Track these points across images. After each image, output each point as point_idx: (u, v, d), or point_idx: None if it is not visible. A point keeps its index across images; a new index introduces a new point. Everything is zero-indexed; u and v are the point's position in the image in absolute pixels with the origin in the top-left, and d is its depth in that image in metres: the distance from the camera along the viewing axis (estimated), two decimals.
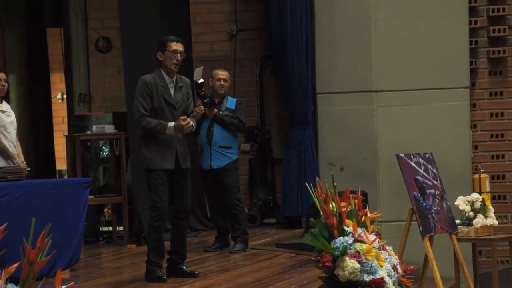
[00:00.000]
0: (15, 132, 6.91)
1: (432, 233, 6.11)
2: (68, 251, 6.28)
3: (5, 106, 6.87)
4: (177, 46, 6.02)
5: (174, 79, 6.06)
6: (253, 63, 10.44)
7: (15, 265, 2.70)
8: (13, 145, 6.83)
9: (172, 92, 6.03)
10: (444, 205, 6.32)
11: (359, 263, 4.11)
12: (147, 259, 6.00)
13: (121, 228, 8.58)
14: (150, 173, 5.97)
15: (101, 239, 8.78)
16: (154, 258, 5.98)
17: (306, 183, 4.86)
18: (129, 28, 8.44)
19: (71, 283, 2.85)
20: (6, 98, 6.94)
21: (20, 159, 6.85)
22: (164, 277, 5.94)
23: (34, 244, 2.75)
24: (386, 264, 4.21)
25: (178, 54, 6.00)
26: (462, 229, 6.56)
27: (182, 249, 6.18)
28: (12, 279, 2.70)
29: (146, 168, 6.00)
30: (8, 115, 6.86)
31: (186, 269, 6.15)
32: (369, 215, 4.37)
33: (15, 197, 5.72)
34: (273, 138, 10.37)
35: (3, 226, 2.69)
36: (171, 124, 5.94)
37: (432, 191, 6.27)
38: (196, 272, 6.17)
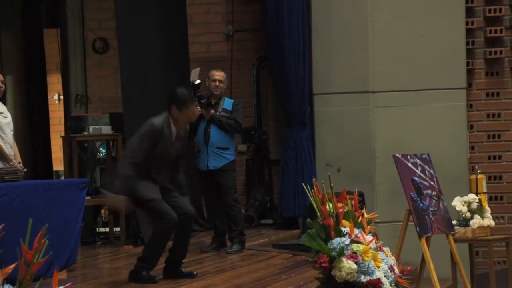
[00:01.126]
0: (12, 133, 6.90)
1: (429, 234, 6.12)
2: (65, 252, 6.28)
3: (1, 107, 6.86)
4: (194, 107, 6.07)
5: (178, 129, 6.02)
6: (250, 64, 10.44)
7: (12, 266, 2.70)
8: (9, 146, 6.82)
9: (173, 141, 6.00)
10: (441, 205, 6.32)
11: (356, 264, 4.12)
12: (141, 257, 5.99)
13: (118, 229, 8.58)
14: (150, 202, 5.88)
15: (98, 240, 8.77)
16: (149, 259, 5.98)
17: (303, 184, 4.86)
18: (126, 29, 8.43)
19: (68, 284, 2.85)
20: (2, 99, 6.94)
21: (16, 160, 6.84)
22: (156, 278, 5.96)
23: (31, 245, 2.74)
24: (383, 265, 4.22)
25: (194, 116, 6.10)
26: (459, 230, 6.57)
27: (183, 252, 6.19)
28: (9, 280, 2.70)
29: (145, 201, 5.87)
30: (5, 116, 6.85)
31: (184, 270, 6.16)
32: (366, 215, 4.38)
33: (12, 198, 5.71)
34: (270, 139, 10.37)
35: (0, 227, 2.69)
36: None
37: (429, 191, 6.27)
38: (195, 273, 6.17)
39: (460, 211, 6.65)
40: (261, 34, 9.95)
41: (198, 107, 7.55)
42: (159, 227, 5.93)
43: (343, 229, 4.23)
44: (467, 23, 9.17)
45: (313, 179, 4.48)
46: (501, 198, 9.28)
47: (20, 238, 2.83)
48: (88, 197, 7.78)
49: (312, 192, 4.32)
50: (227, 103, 7.70)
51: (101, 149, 9.49)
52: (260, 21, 9.85)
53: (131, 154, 5.88)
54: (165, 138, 5.91)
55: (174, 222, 5.87)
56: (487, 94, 9.35)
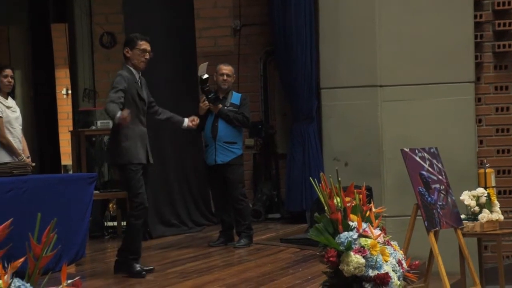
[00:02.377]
0: (21, 127, 6.93)
1: (437, 228, 6.11)
2: (73, 246, 6.30)
3: (10, 102, 6.89)
4: (146, 45, 6.18)
5: (139, 76, 6.19)
6: (257, 58, 10.43)
7: (21, 259, 2.71)
8: (18, 141, 6.85)
9: (140, 87, 6.20)
10: (449, 200, 6.31)
11: (364, 258, 4.11)
12: (126, 251, 6.06)
13: (125, 223, 8.58)
14: (131, 167, 6.01)
15: (106, 234, 8.79)
16: (134, 248, 6.05)
17: (310, 178, 4.86)
18: (133, 23, 8.44)
19: (77, 278, 2.86)
20: (11, 94, 6.96)
21: (25, 155, 6.87)
22: (144, 273, 6.00)
23: (39, 239, 2.75)
24: (391, 259, 4.21)
25: (147, 53, 6.14)
26: (468, 224, 6.56)
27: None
28: (18, 273, 2.71)
29: (126, 162, 6.01)
30: (14, 111, 6.88)
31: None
32: (373, 210, 4.37)
33: (21, 192, 5.73)
34: (277, 133, 10.37)
35: (9, 221, 2.70)
36: (119, 114, 5.91)
37: (437, 186, 6.26)
38: (152, 267, 6.20)
39: (469, 205, 6.64)
40: (268, 28, 9.94)
41: (206, 102, 7.56)
42: (133, 216, 6.05)
43: (350, 223, 4.22)
44: (475, 17, 9.14)
45: (321, 173, 4.46)
46: (510, 192, 9.26)
47: (28, 232, 2.84)
48: (96, 192, 7.79)
49: (319, 186, 4.32)
50: (235, 97, 7.70)
51: None
52: (267, 15, 9.84)
53: (114, 93, 5.96)
54: (133, 84, 6.09)
55: (146, 206, 6.05)
56: (496, 88, 9.32)
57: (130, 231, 6.13)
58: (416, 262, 4.39)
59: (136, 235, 6.07)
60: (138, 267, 6.01)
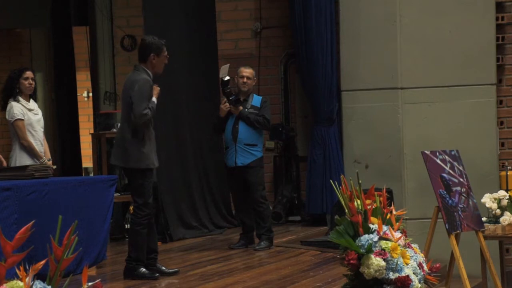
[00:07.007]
0: (42, 130, 6.97)
1: (458, 231, 6.07)
2: (94, 249, 6.32)
3: (32, 104, 6.93)
4: (167, 52, 6.13)
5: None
6: (277, 60, 10.43)
7: (42, 262, 2.73)
8: (40, 143, 6.90)
9: None
10: (470, 202, 6.28)
11: (385, 261, 4.10)
12: (132, 258, 6.04)
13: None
14: (146, 173, 5.99)
15: (127, 236, 8.80)
16: (141, 256, 6.03)
17: (331, 180, 4.85)
18: (154, 26, 8.47)
19: (98, 280, 2.87)
20: (33, 96, 7.00)
21: (46, 157, 6.91)
22: (156, 274, 6.02)
23: (60, 241, 2.77)
24: (411, 262, 4.20)
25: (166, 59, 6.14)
26: (489, 227, 6.51)
27: (156, 246, 6.23)
28: (39, 276, 2.73)
29: (144, 168, 5.98)
30: (35, 113, 6.92)
31: (164, 268, 6.16)
32: (394, 212, 4.36)
33: (42, 195, 5.76)
34: (297, 135, 10.36)
35: (30, 223, 2.72)
36: (153, 98, 6.04)
37: (458, 188, 6.23)
38: (177, 270, 6.21)
39: (490, 208, 6.59)
40: (288, 31, 9.94)
41: (227, 104, 7.57)
42: (138, 221, 6.02)
43: (371, 226, 4.21)
44: (497, 19, 9.08)
45: (341, 176, 4.46)
46: None
47: (50, 234, 2.85)
48: (117, 194, 7.82)
49: (340, 188, 4.31)
50: (256, 100, 7.71)
51: None
52: (288, 18, 9.83)
53: (143, 108, 5.92)
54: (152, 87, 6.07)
55: (151, 217, 6.03)
56: None
57: (135, 239, 6.07)
58: (437, 265, 4.37)
59: (141, 242, 6.04)
60: (144, 270, 6.01)
